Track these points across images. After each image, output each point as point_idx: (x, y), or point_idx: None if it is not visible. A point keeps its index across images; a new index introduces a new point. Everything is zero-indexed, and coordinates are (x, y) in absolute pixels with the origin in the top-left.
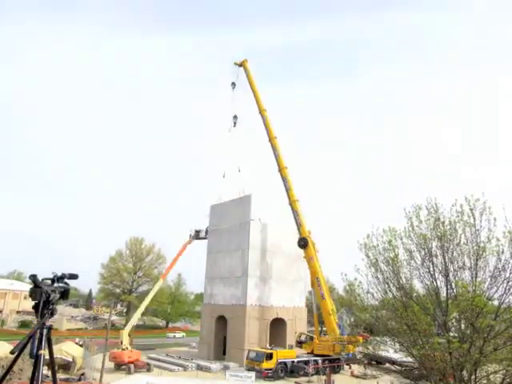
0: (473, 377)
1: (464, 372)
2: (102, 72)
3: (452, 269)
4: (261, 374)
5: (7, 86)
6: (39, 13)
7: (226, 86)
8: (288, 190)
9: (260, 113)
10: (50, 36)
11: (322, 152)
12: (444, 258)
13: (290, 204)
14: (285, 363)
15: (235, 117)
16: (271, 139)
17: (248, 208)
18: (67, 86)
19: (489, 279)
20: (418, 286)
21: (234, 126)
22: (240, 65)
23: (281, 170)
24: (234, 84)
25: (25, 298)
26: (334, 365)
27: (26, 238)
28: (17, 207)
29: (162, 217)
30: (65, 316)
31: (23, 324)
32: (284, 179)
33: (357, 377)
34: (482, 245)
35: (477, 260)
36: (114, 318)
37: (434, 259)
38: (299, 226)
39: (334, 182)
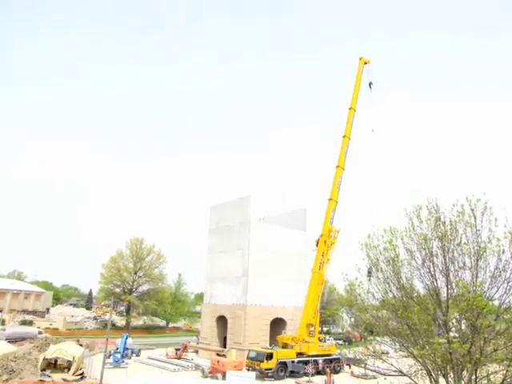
0: (473, 377)
1: (464, 372)
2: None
3: (453, 269)
4: (261, 374)
5: None
6: None
7: None
8: (332, 186)
9: (349, 108)
10: None
11: (321, 150)
12: (445, 258)
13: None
14: (285, 363)
15: (370, 83)
16: (343, 136)
17: (248, 208)
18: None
19: (489, 279)
20: (419, 286)
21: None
22: (365, 62)
23: (336, 166)
24: (371, 83)
25: (25, 297)
26: (333, 365)
27: (26, 238)
28: (17, 207)
29: (161, 217)
30: (65, 316)
31: (23, 324)
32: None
33: (357, 377)
34: (482, 245)
35: (477, 260)
36: (114, 317)
37: (435, 259)
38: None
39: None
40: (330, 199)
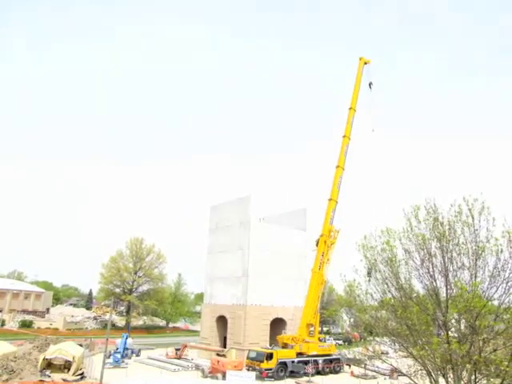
0: (473, 377)
1: (464, 372)
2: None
3: (451, 269)
4: (261, 374)
5: None
6: None
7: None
8: (332, 186)
9: (349, 108)
10: None
11: (322, 150)
12: (443, 258)
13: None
14: (285, 363)
15: (371, 83)
16: (343, 136)
17: (248, 208)
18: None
19: (488, 279)
20: (418, 287)
21: (373, 131)
22: (365, 62)
23: (336, 166)
24: (371, 83)
25: (25, 297)
26: (333, 365)
27: (26, 238)
28: (17, 207)
29: (161, 217)
30: (65, 316)
31: (23, 324)
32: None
33: (357, 377)
34: (480, 245)
35: (476, 260)
36: (114, 317)
37: (434, 259)
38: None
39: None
40: (330, 199)
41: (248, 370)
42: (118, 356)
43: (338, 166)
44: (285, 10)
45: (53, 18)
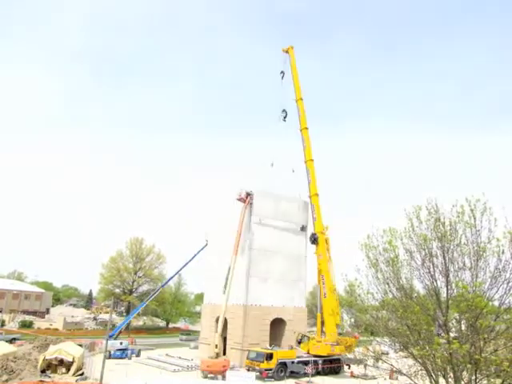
0: (473, 377)
1: (464, 372)
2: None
3: (452, 269)
4: (261, 375)
5: None
6: None
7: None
8: (309, 182)
9: (296, 101)
10: None
11: (320, 148)
12: (444, 259)
13: (310, 197)
14: (285, 363)
15: (284, 111)
16: (302, 129)
17: (249, 208)
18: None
19: (489, 280)
20: (419, 287)
21: (284, 119)
22: (286, 51)
23: (306, 161)
24: (282, 73)
25: (25, 298)
26: (333, 365)
27: (26, 238)
28: (17, 207)
29: (161, 217)
30: (65, 316)
31: (23, 324)
32: (307, 171)
33: (357, 377)
34: (482, 245)
35: (477, 260)
36: (114, 317)
37: (435, 260)
38: (314, 220)
39: (334, 180)
40: (316, 194)
41: (248, 370)
42: (118, 353)
43: (311, 160)
44: None
45: None
